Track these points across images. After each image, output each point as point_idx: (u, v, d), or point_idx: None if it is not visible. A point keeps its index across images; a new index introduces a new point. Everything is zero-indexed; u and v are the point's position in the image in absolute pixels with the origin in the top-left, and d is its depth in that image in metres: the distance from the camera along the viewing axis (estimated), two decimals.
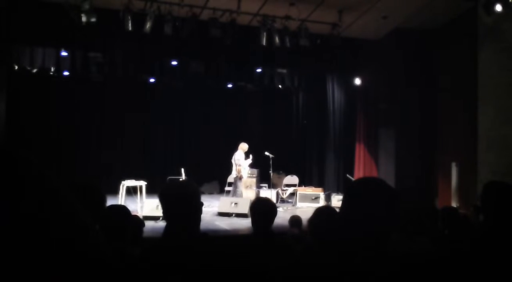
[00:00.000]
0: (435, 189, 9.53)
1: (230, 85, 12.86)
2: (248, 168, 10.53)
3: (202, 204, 2.05)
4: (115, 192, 8.87)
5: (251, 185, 11.14)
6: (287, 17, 8.38)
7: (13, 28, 7.72)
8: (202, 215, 2.06)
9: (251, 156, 10.30)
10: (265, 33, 8.33)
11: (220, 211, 9.22)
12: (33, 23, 7.70)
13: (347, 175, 10.83)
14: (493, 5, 7.19)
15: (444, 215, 3.86)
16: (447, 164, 9.02)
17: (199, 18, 8.20)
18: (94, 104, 12.24)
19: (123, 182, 9.08)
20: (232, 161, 10.25)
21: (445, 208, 4.33)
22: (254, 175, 11.36)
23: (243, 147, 10.22)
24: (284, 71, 11.56)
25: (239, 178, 10.06)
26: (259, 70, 11.32)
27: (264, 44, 8.39)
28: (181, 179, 9.16)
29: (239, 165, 10.00)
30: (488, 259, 2.02)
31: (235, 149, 10.33)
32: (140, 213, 8.02)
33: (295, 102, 14.52)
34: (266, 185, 11.69)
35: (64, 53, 9.56)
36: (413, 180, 9.31)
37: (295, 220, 4.87)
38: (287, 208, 10.61)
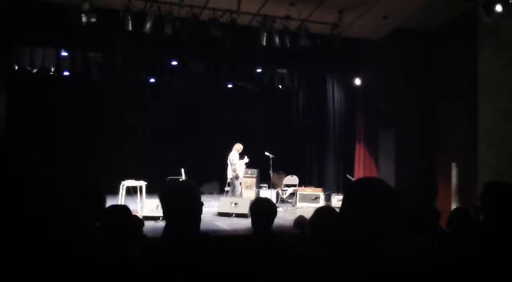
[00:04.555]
0: (435, 189, 9.52)
1: (230, 86, 12.86)
2: (245, 167, 10.60)
3: (202, 204, 2.06)
4: (115, 192, 8.87)
5: (251, 185, 11.16)
6: (287, 17, 8.38)
7: (13, 28, 7.72)
8: (202, 215, 2.06)
9: (246, 157, 10.37)
10: (265, 33, 8.33)
11: (220, 211, 9.22)
12: (33, 23, 7.69)
13: (347, 175, 10.84)
14: (493, 5, 7.18)
15: (454, 217, 3.86)
16: (447, 164, 9.01)
17: (199, 18, 8.20)
18: (94, 104, 12.23)
19: (123, 182, 9.08)
20: (228, 161, 10.33)
21: (456, 209, 4.34)
22: (254, 175, 11.38)
23: (237, 147, 10.35)
24: (284, 71, 11.55)
25: (235, 177, 10.16)
26: (259, 70, 11.32)
27: (264, 44, 8.39)
28: (181, 179, 9.16)
29: (234, 164, 10.11)
30: (488, 259, 2.02)
31: (231, 149, 10.42)
32: (140, 213, 8.02)
33: (295, 102, 14.53)
34: (266, 185, 11.70)
35: (64, 53, 9.55)
36: (413, 180, 9.30)
37: (300, 222, 4.81)
38: (287, 208, 10.62)
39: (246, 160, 10.37)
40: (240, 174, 10.31)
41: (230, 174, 10.34)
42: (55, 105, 11.79)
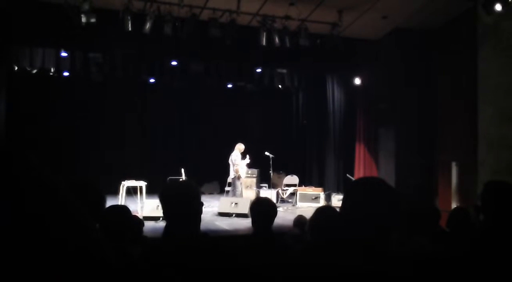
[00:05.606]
0: (435, 189, 9.52)
1: (230, 85, 12.86)
2: (246, 167, 10.59)
3: (202, 204, 2.06)
4: (115, 192, 8.87)
5: (251, 185, 11.16)
6: (287, 17, 8.38)
7: (13, 28, 7.72)
8: (202, 215, 2.07)
9: (247, 156, 10.36)
10: (265, 33, 8.33)
11: (220, 211, 9.22)
12: (33, 23, 7.69)
13: (347, 175, 10.84)
14: (493, 4, 7.18)
15: (454, 217, 3.86)
16: (447, 164, 9.01)
17: (199, 18, 8.20)
18: (94, 104, 12.24)
19: (123, 182, 9.08)
20: (229, 161, 10.31)
21: (456, 209, 4.35)
22: (254, 175, 11.38)
23: (240, 147, 10.31)
24: (284, 71, 11.56)
25: (237, 177, 10.13)
26: (259, 70, 11.32)
27: (264, 44, 8.39)
28: (181, 179, 9.16)
29: (237, 165, 10.08)
30: (488, 258, 2.02)
31: (233, 149, 10.40)
32: (140, 213, 8.03)
33: (295, 102, 14.54)
34: (266, 185, 11.70)
35: (64, 54, 9.56)
36: (413, 179, 9.30)
37: (300, 221, 4.82)
38: (287, 208, 10.62)
39: (247, 160, 10.35)
40: (242, 175, 10.28)
41: (232, 174, 10.31)
42: (55, 106, 11.80)
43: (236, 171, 10.09)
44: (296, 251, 2.87)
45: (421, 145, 9.62)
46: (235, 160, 10.15)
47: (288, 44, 8.50)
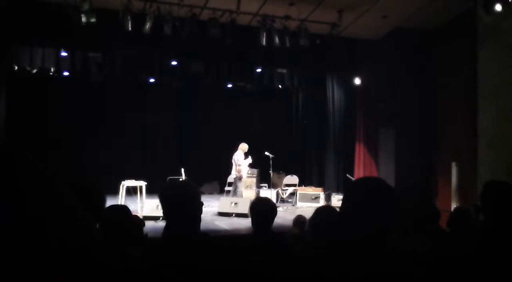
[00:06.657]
0: (435, 189, 9.52)
1: (230, 85, 12.86)
2: (248, 167, 10.56)
3: (202, 204, 2.06)
4: (115, 192, 8.87)
5: (251, 185, 11.15)
6: (287, 17, 8.38)
7: (13, 28, 7.72)
8: (202, 215, 2.07)
9: (250, 157, 10.34)
10: (264, 33, 8.33)
11: (220, 211, 9.22)
12: (33, 23, 7.69)
13: (347, 175, 10.84)
14: (493, 4, 7.19)
15: (455, 217, 3.87)
16: (447, 164, 9.01)
17: (199, 18, 8.20)
18: (94, 104, 12.23)
19: (123, 182, 9.07)
20: (232, 161, 10.29)
21: (456, 209, 4.36)
22: (254, 175, 11.37)
23: (243, 147, 10.27)
24: (284, 71, 11.55)
25: (238, 178, 10.11)
26: (259, 70, 11.32)
27: (264, 44, 8.39)
28: (181, 179, 9.16)
29: (239, 165, 10.04)
30: (488, 258, 2.02)
31: (235, 149, 10.36)
32: (140, 213, 8.02)
33: (295, 102, 14.54)
34: (266, 185, 11.69)
35: (64, 54, 9.55)
36: (413, 179, 9.30)
37: (299, 221, 4.83)
38: (287, 208, 10.62)
39: (250, 160, 10.34)
40: (244, 175, 10.25)
41: (233, 174, 10.28)
42: (55, 105, 11.79)
43: (239, 171, 10.06)
44: (296, 251, 2.87)
45: (421, 145, 9.63)
46: (238, 160, 10.11)
47: (288, 44, 8.50)
